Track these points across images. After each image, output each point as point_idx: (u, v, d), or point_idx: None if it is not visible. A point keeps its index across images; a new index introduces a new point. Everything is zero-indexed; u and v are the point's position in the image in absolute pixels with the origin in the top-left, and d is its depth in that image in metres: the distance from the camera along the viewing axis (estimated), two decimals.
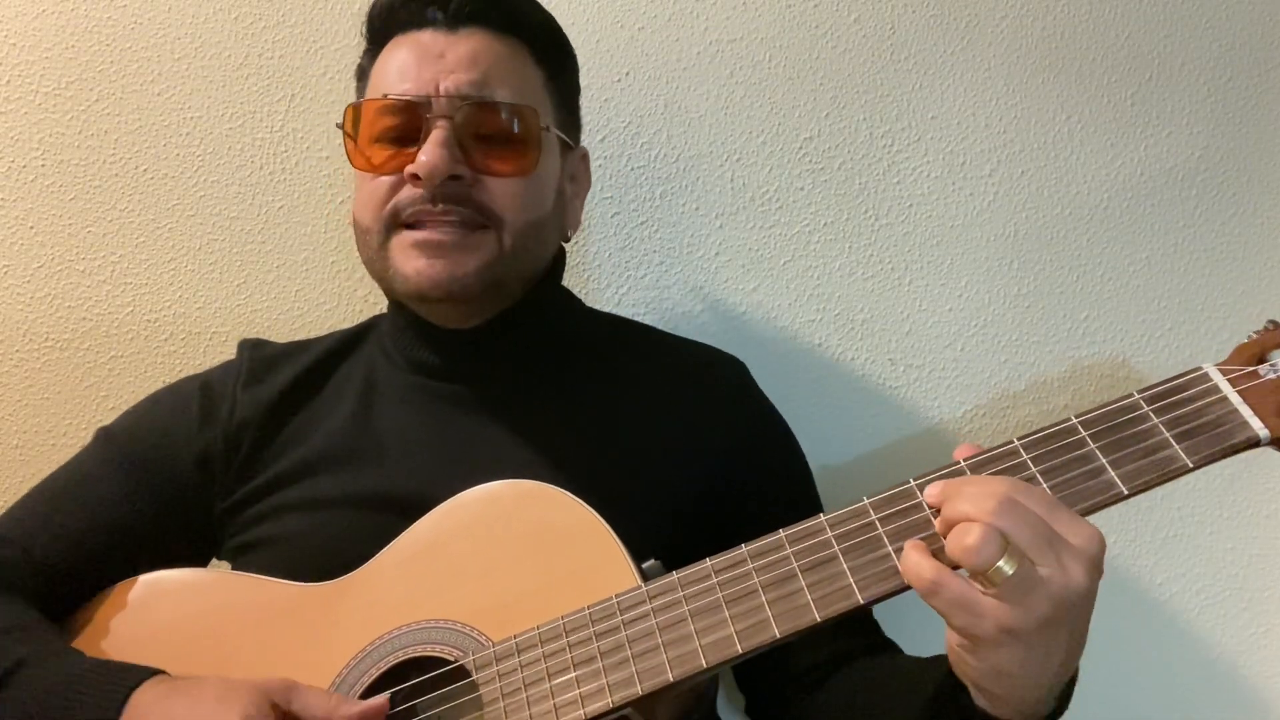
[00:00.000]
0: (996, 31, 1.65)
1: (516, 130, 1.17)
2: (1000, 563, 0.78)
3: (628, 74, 1.60)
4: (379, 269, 1.20)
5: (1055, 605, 0.80)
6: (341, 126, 1.20)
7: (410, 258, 1.15)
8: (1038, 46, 1.66)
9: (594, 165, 1.58)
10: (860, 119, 1.63)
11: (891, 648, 1.21)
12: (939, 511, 0.87)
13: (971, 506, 0.82)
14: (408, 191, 1.15)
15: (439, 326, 1.23)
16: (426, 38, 1.17)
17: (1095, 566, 0.81)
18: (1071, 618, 0.82)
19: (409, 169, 1.13)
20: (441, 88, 1.14)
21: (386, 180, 1.16)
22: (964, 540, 0.80)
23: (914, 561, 0.84)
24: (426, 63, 1.15)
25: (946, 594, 0.81)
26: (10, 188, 1.51)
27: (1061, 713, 0.91)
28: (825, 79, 1.63)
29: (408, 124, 1.15)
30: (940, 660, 0.96)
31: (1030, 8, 1.65)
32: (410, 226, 1.15)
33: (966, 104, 1.65)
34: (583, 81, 1.56)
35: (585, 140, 1.56)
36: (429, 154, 1.11)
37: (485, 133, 1.15)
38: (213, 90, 1.54)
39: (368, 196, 1.18)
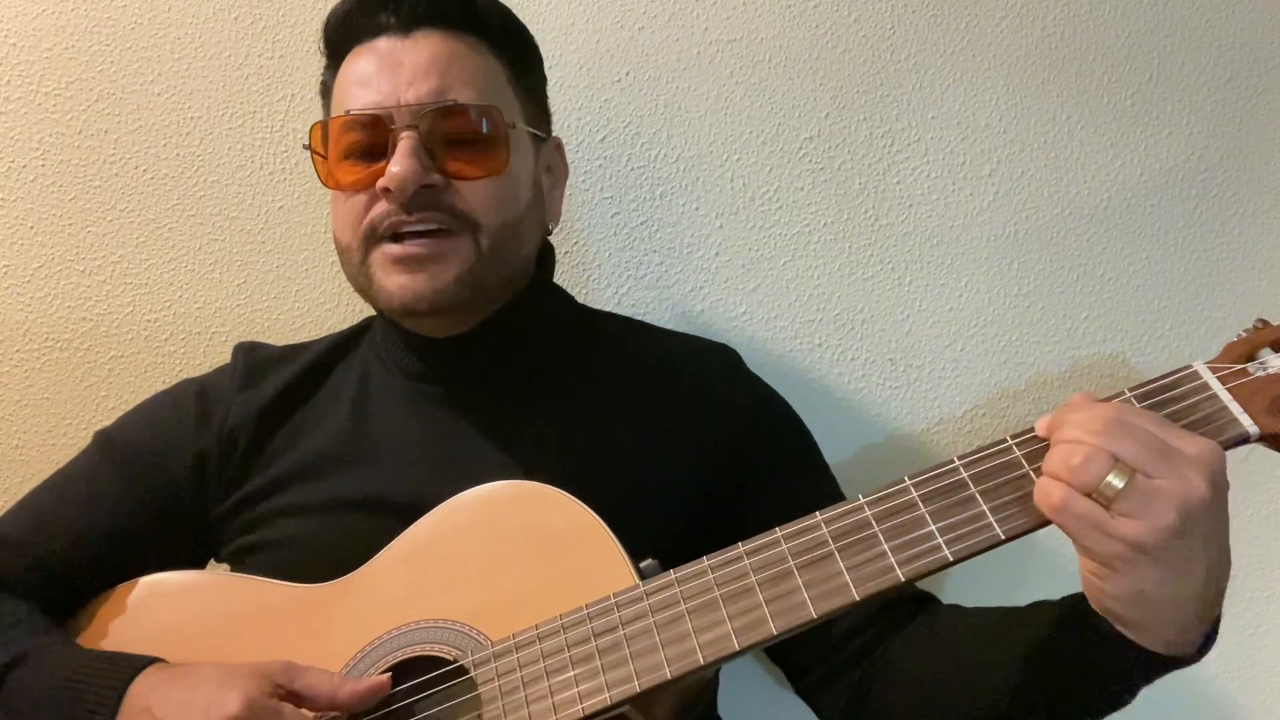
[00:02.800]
0: (996, 31, 1.65)
1: (484, 131, 1.15)
2: (1110, 477, 0.80)
3: (628, 74, 1.59)
4: (362, 285, 1.19)
5: (1180, 514, 0.79)
6: (309, 147, 1.19)
7: (391, 274, 1.14)
8: (1038, 46, 1.66)
9: (594, 165, 1.58)
10: (860, 119, 1.63)
11: (930, 599, 1.19)
12: (934, 503, 0.88)
13: (1079, 431, 0.83)
14: (381, 205, 1.13)
15: (426, 336, 1.23)
16: (383, 46, 1.16)
17: (1215, 475, 0.81)
18: (1201, 529, 0.81)
19: (380, 183, 1.11)
20: (403, 98, 1.12)
21: (361, 197, 1.15)
22: (1071, 460, 0.81)
23: (1044, 486, 0.84)
24: (385, 73, 1.14)
25: (1074, 509, 0.82)
26: (10, 188, 1.51)
27: (1206, 651, 0.90)
28: (825, 79, 1.62)
29: (374, 138, 1.13)
30: (1043, 606, 0.98)
31: (1030, 8, 1.65)
32: (387, 240, 1.14)
33: (966, 104, 1.65)
34: (582, 81, 1.57)
35: (585, 140, 1.56)
36: (399, 165, 1.10)
37: (453, 138, 1.14)
38: (213, 90, 1.54)
39: (344, 214, 1.17)
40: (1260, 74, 1.70)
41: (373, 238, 1.14)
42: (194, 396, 1.28)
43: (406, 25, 1.16)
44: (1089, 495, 0.81)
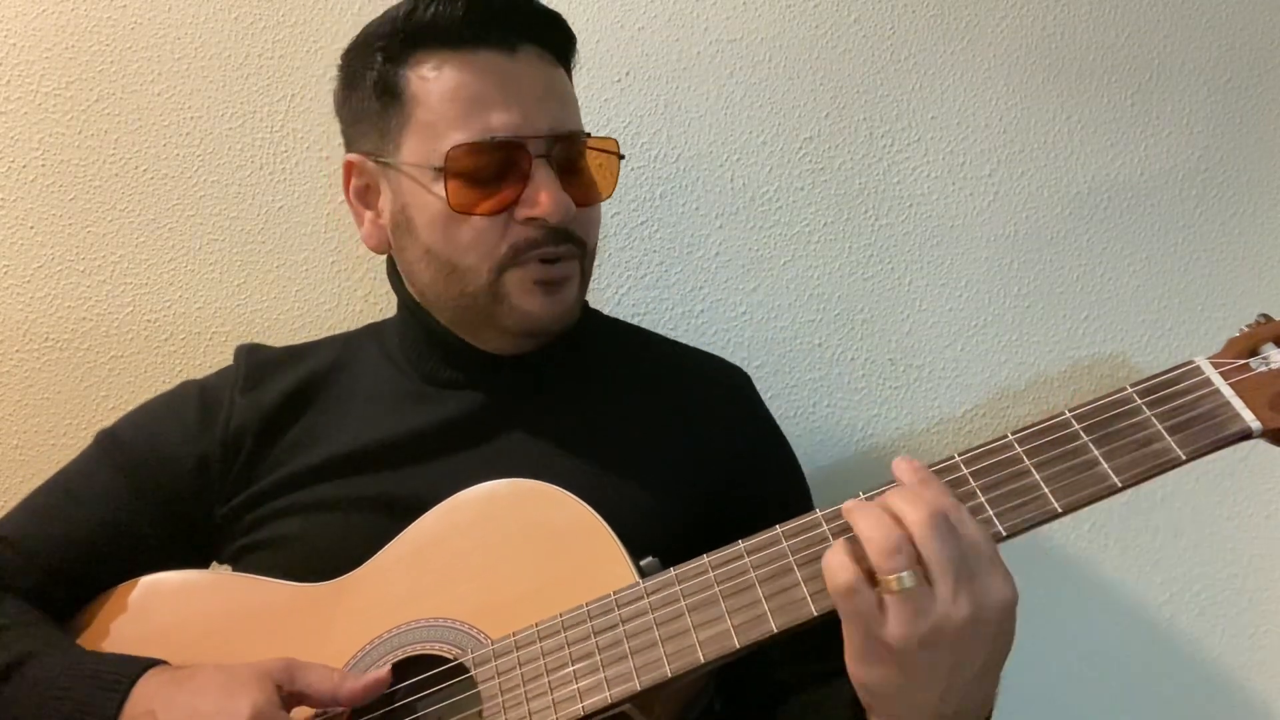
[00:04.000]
0: (996, 31, 1.65)
1: (600, 159, 1.20)
2: (905, 573, 0.81)
3: (628, 74, 1.60)
4: (483, 304, 1.17)
5: (932, 629, 0.81)
6: (443, 169, 1.13)
7: (532, 295, 1.15)
8: (1038, 46, 1.66)
9: None
10: (860, 119, 1.63)
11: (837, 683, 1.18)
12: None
13: (910, 509, 0.83)
14: (523, 230, 1.13)
15: (476, 348, 1.23)
16: (490, 61, 1.14)
17: (987, 614, 0.82)
18: (950, 653, 0.82)
19: (530, 212, 1.12)
20: (537, 125, 1.13)
21: (490, 220, 1.13)
22: (883, 542, 0.82)
23: (836, 563, 0.84)
24: (510, 95, 1.13)
25: (856, 604, 0.83)
26: (10, 188, 1.51)
27: None
28: (825, 79, 1.63)
29: (509, 162, 1.12)
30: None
31: (1030, 8, 1.65)
32: (532, 262, 1.15)
33: (966, 104, 1.65)
34: (582, 81, 1.56)
35: None
36: (554, 198, 1.11)
37: (573, 165, 1.16)
38: (213, 90, 1.54)
39: (472, 237, 1.14)
40: (1260, 74, 1.70)
41: (514, 260, 1.15)
42: (196, 398, 1.27)
43: (512, 42, 1.15)
44: (879, 575, 0.82)
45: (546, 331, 1.19)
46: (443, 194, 1.12)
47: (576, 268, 1.19)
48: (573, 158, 1.17)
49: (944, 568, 0.81)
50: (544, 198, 1.11)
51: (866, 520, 0.84)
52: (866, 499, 0.91)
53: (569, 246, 1.16)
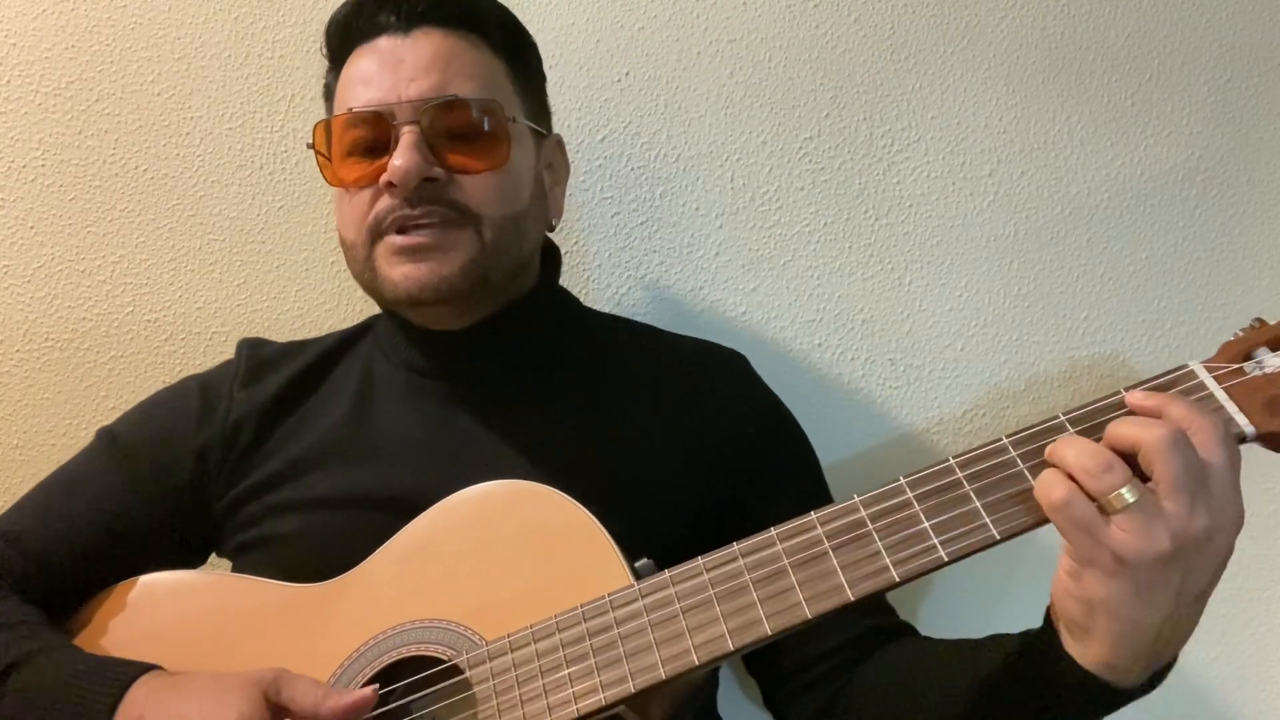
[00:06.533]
0: (996, 31, 1.65)
1: (485, 125, 1.16)
2: (1123, 489, 0.80)
3: (628, 74, 1.59)
4: (368, 280, 1.20)
5: (1174, 543, 0.79)
6: (312, 146, 1.20)
7: (395, 264, 1.15)
8: (1038, 46, 1.65)
9: (594, 165, 1.58)
10: (860, 119, 1.63)
11: (911, 630, 1.19)
12: (929, 503, 0.89)
13: (1142, 430, 0.82)
14: (385, 200, 1.14)
15: (431, 330, 1.24)
16: (383, 44, 1.17)
17: (1221, 529, 0.82)
18: (1185, 567, 0.81)
19: (383, 178, 1.12)
20: (404, 93, 1.14)
21: (365, 194, 1.16)
22: (1089, 463, 0.82)
23: (1047, 480, 0.84)
24: (386, 70, 1.15)
25: (1073, 513, 0.82)
26: (10, 188, 1.51)
27: (1148, 691, 0.89)
28: (825, 79, 1.62)
29: (376, 134, 1.14)
30: (1001, 637, 0.98)
31: (1030, 8, 1.65)
32: (392, 233, 1.15)
33: (966, 104, 1.64)
34: (582, 81, 1.56)
35: (586, 140, 1.56)
36: (401, 159, 1.11)
37: (454, 132, 1.15)
38: (213, 90, 1.55)
39: (349, 212, 1.18)
40: (1260, 74, 1.70)
41: (377, 232, 1.16)
42: (196, 392, 1.29)
43: (406, 24, 1.17)
44: (1099, 499, 0.81)
45: (421, 300, 1.16)
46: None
47: (460, 237, 1.15)
48: (456, 125, 1.15)
49: (1177, 483, 0.80)
50: (394, 161, 1.12)
51: (1070, 450, 0.84)
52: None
53: (437, 210, 1.14)
